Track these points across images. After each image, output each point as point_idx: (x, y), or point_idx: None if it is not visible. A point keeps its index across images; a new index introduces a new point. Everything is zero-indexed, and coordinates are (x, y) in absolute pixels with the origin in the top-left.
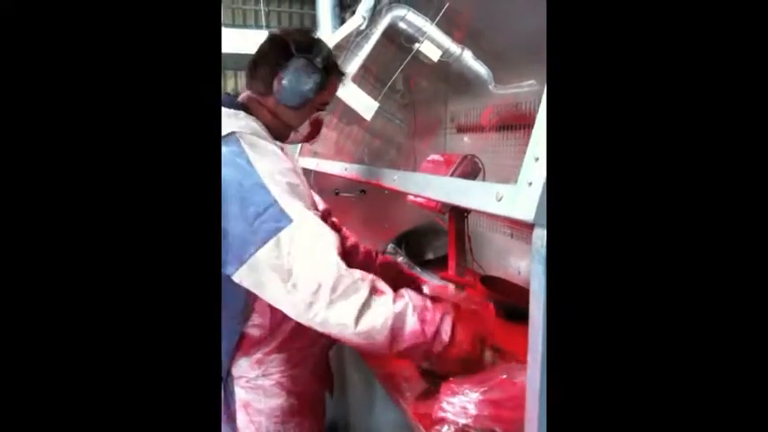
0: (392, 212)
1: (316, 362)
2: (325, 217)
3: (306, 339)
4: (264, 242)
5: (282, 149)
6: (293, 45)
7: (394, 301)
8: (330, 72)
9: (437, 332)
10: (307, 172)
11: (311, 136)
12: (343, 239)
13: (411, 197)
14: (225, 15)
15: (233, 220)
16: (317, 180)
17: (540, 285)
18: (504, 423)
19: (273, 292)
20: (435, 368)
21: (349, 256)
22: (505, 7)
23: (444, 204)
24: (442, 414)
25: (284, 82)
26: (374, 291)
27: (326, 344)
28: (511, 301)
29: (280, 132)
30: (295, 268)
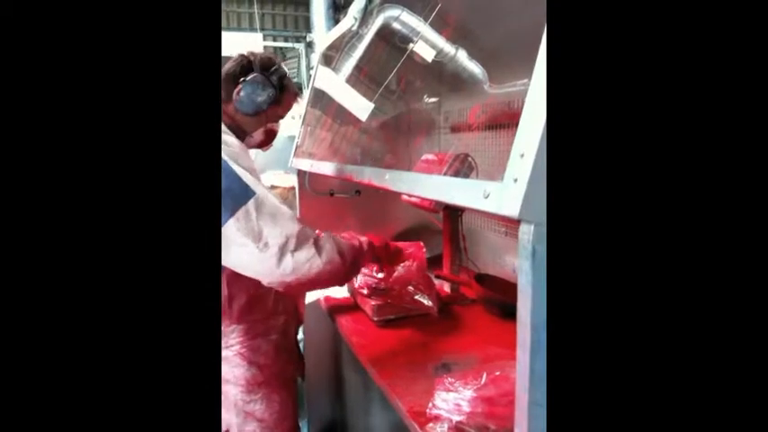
0: (387, 213)
1: (279, 337)
2: None
3: (262, 312)
4: (234, 212)
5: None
6: (258, 64)
7: (328, 236)
8: (285, 90)
9: (359, 242)
10: (301, 173)
11: (264, 143)
12: None
13: (405, 197)
14: None
15: None
16: (311, 181)
17: (528, 281)
18: (497, 419)
19: (245, 256)
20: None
21: None
22: (498, 6)
23: (438, 203)
24: (435, 411)
25: (242, 92)
26: (313, 231)
27: (288, 320)
28: (505, 298)
29: (236, 135)
30: (265, 230)
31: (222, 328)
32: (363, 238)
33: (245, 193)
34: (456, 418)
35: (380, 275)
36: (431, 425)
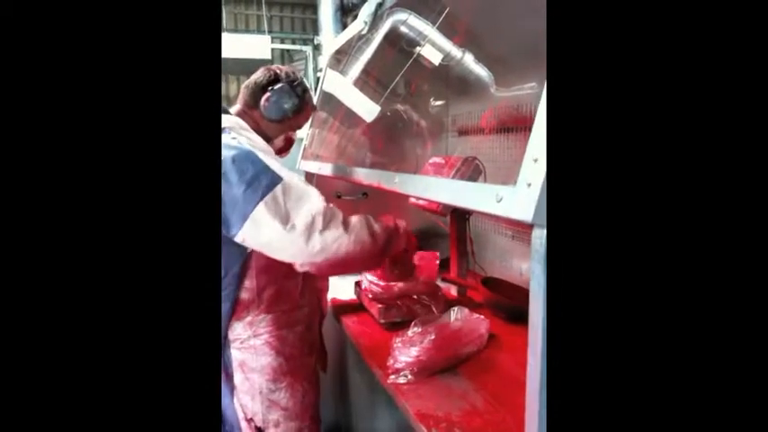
0: (394, 215)
1: (304, 329)
2: None
3: (288, 302)
4: (263, 196)
5: None
6: (283, 77)
7: (360, 217)
8: (306, 102)
9: (395, 224)
10: (309, 175)
11: (283, 150)
12: None
13: (413, 200)
14: (228, 21)
15: (233, 187)
16: (318, 183)
17: (540, 285)
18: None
19: (275, 238)
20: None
21: None
22: (505, 10)
23: (445, 206)
24: (397, 365)
25: (271, 99)
26: (340, 211)
27: (313, 312)
28: (512, 302)
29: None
30: (292, 212)
31: (252, 317)
32: (401, 222)
33: (273, 179)
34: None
35: (383, 283)
36: (393, 377)
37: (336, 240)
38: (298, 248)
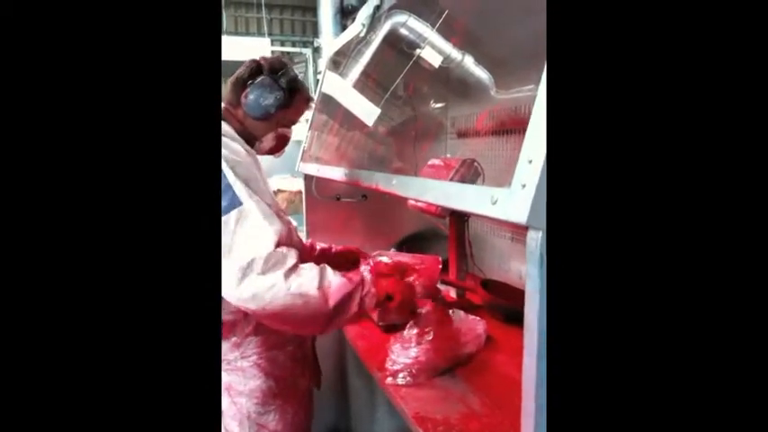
0: (393, 217)
1: (295, 348)
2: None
3: None
4: None
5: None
6: (266, 68)
7: (313, 267)
8: (295, 94)
9: (362, 279)
10: (308, 177)
11: (275, 149)
12: (293, 233)
13: (411, 202)
14: (228, 24)
15: None
16: (318, 185)
17: (535, 287)
18: (441, 362)
19: None
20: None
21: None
22: (504, 13)
23: (444, 209)
24: (395, 366)
25: (250, 95)
26: (301, 261)
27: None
28: (510, 304)
29: (246, 140)
30: (235, 245)
31: (239, 339)
32: (366, 276)
33: (231, 202)
34: (409, 362)
35: None
36: (391, 379)
37: (271, 289)
38: (229, 287)
